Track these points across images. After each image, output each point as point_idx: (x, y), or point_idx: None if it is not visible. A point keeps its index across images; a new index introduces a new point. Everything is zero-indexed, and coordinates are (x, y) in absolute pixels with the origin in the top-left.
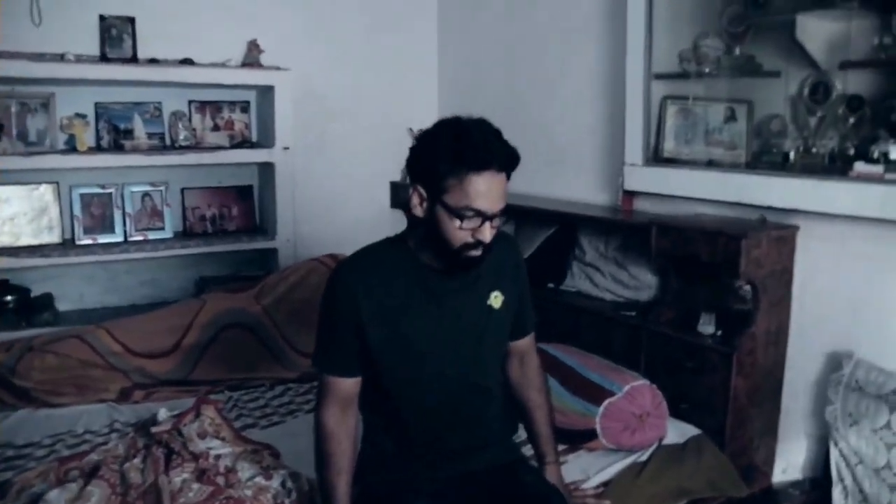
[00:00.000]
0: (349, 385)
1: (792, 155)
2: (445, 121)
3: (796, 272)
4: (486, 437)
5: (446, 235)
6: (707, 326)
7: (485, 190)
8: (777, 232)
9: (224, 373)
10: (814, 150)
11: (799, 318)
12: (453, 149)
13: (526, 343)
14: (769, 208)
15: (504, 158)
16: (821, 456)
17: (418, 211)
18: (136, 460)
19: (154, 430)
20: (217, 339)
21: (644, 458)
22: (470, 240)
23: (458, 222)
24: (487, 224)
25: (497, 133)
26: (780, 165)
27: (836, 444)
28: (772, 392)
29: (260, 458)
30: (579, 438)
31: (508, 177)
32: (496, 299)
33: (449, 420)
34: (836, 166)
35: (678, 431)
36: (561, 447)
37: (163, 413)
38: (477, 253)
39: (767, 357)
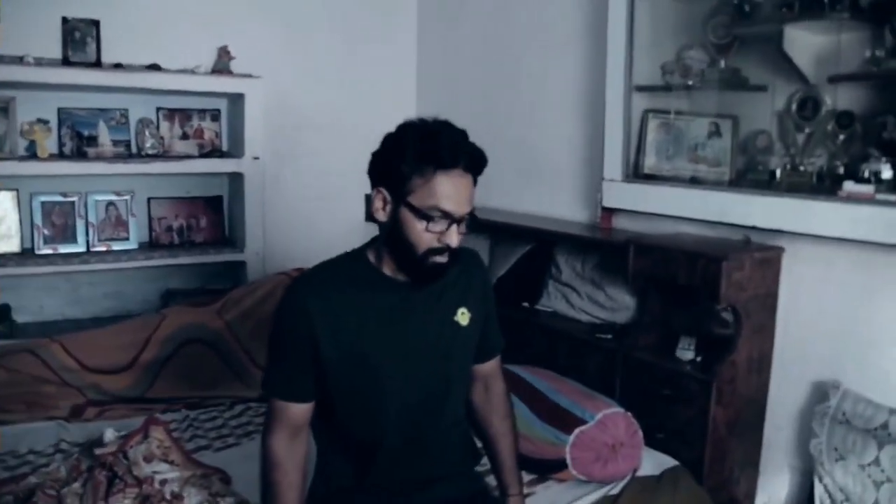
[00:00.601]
0: (300, 411)
1: (778, 173)
2: (410, 122)
3: (781, 296)
4: (447, 465)
5: (411, 239)
6: (686, 352)
7: (452, 190)
8: (761, 254)
9: (182, 390)
10: (801, 168)
11: (783, 344)
12: (419, 148)
13: (491, 366)
14: (753, 228)
15: (471, 159)
16: (805, 490)
17: (381, 215)
18: (76, 485)
19: (98, 451)
20: (176, 354)
21: (616, 490)
22: (436, 244)
23: (424, 224)
24: (454, 227)
25: (463, 133)
26: (766, 184)
27: (820, 480)
28: (753, 422)
29: (209, 483)
30: (548, 468)
31: (475, 181)
32: (463, 316)
33: (408, 446)
34: (825, 185)
35: (653, 462)
36: (528, 477)
37: (109, 434)
38: (443, 259)
39: (749, 386)
